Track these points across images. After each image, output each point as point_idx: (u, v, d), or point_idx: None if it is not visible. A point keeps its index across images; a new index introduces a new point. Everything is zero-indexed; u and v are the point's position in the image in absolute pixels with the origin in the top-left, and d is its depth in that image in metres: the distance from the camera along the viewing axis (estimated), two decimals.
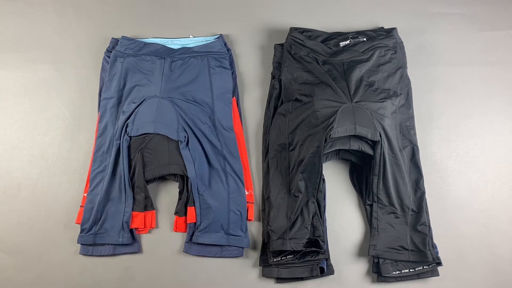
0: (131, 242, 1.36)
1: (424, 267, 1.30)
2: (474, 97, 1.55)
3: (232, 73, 1.53)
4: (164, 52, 1.49)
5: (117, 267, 1.36)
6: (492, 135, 1.51)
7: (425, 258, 1.29)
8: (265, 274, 1.33)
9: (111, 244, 1.35)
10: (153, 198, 1.42)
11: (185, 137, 1.36)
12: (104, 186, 1.36)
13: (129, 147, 1.38)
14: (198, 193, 1.36)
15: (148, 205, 1.39)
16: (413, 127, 1.44)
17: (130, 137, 1.38)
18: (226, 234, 1.34)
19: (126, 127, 1.38)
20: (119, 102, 1.44)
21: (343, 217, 1.41)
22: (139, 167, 1.36)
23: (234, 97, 1.50)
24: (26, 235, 1.40)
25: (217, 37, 1.54)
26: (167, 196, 1.45)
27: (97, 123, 1.45)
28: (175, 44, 1.54)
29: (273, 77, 1.52)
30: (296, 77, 1.43)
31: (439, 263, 1.30)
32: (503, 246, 1.39)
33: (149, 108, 1.38)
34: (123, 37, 1.51)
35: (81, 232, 1.35)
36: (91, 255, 1.36)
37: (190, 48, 1.51)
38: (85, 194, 1.38)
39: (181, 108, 1.40)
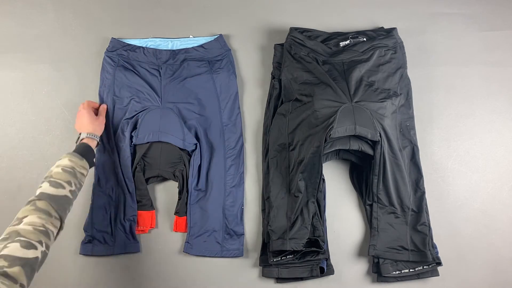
0: (131, 242, 1.36)
1: (424, 267, 1.30)
2: (474, 97, 1.55)
3: (232, 73, 1.53)
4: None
5: (117, 267, 1.36)
6: (492, 135, 1.51)
7: (425, 258, 1.29)
8: (265, 274, 1.33)
9: (111, 244, 1.35)
10: (153, 198, 1.42)
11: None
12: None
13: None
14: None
15: (148, 205, 1.39)
16: (413, 127, 1.44)
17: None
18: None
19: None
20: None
21: (343, 217, 1.41)
22: (139, 167, 1.36)
23: None
24: None
25: (217, 37, 1.54)
26: (167, 196, 1.44)
27: None
28: (175, 44, 1.54)
29: (273, 77, 1.51)
30: (296, 77, 1.42)
31: (439, 263, 1.30)
32: (503, 246, 1.39)
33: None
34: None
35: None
36: (91, 255, 1.36)
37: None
38: None
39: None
